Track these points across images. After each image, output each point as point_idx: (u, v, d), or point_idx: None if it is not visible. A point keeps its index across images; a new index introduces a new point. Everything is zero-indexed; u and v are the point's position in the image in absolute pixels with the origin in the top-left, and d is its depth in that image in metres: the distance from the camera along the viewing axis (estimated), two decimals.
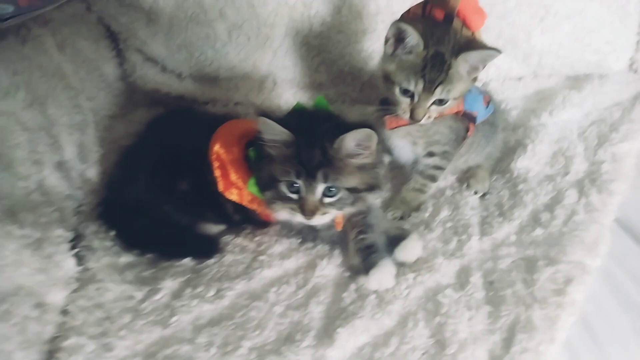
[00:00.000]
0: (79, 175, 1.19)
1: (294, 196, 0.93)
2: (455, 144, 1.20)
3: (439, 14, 1.06)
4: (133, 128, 1.38)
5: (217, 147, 1.01)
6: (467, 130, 1.19)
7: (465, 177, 1.30)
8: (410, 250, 1.06)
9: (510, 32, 1.58)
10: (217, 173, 1.01)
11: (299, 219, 0.95)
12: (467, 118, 1.17)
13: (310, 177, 0.91)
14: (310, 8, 1.48)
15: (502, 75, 1.66)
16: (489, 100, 1.25)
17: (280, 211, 0.98)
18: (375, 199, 1.03)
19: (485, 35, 1.10)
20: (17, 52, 1.13)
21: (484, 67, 1.06)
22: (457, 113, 1.16)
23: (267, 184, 0.96)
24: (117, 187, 1.15)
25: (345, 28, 1.52)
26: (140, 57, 1.54)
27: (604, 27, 1.64)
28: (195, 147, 1.03)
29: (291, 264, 1.05)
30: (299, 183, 0.91)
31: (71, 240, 1.05)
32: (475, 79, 1.10)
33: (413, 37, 1.02)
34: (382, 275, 0.98)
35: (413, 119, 1.07)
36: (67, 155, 1.16)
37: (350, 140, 0.89)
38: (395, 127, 1.16)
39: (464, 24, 1.05)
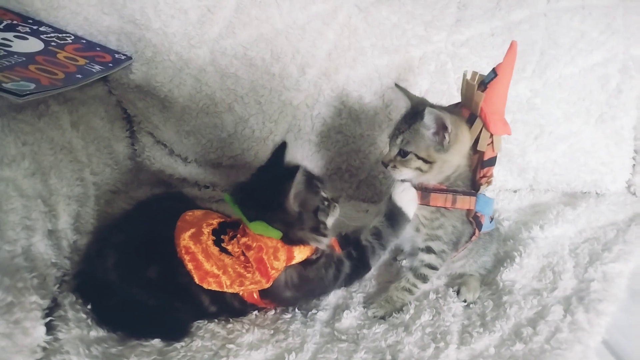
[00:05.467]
0: (70, 245, 1.21)
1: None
2: (454, 246, 1.19)
3: (465, 114, 1.13)
4: (132, 205, 1.42)
5: (184, 242, 1.01)
6: (472, 235, 1.19)
7: (457, 283, 1.29)
8: None
9: (505, 146, 1.61)
10: (190, 266, 1.01)
11: None
12: (475, 222, 1.17)
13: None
14: (312, 109, 1.56)
15: (497, 187, 1.70)
16: (492, 217, 1.26)
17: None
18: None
19: None
20: (31, 125, 1.19)
21: (447, 136, 1.06)
22: (469, 211, 1.16)
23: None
24: (89, 260, 1.16)
25: (344, 129, 1.59)
26: (150, 139, 1.62)
27: (600, 149, 1.68)
28: (171, 235, 1.05)
29: (259, 355, 1.02)
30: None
31: (47, 309, 1.05)
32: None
33: (403, 97, 1.20)
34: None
35: (382, 163, 1.15)
36: (61, 224, 1.18)
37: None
38: None
39: (485, 124, 1.09)
